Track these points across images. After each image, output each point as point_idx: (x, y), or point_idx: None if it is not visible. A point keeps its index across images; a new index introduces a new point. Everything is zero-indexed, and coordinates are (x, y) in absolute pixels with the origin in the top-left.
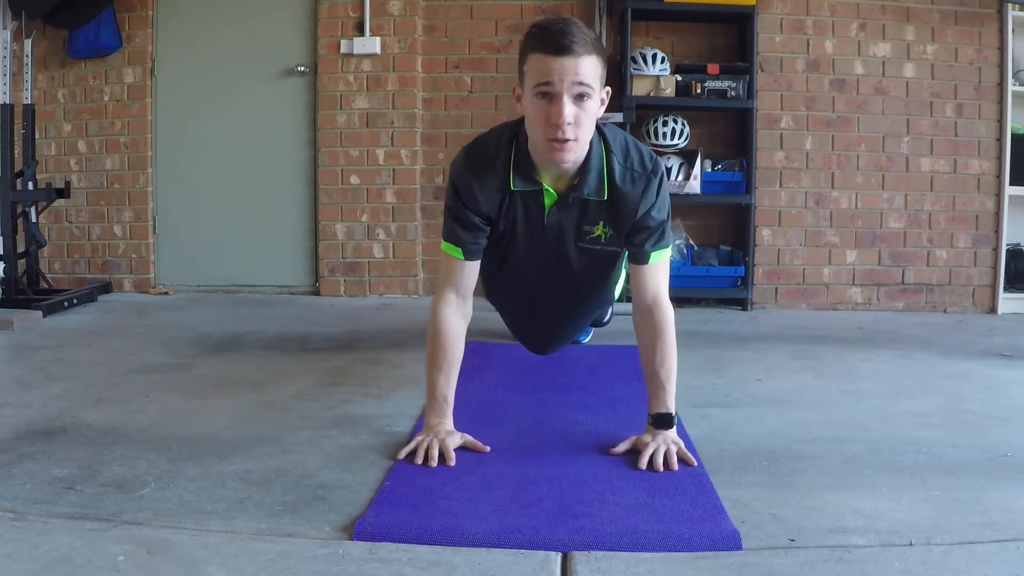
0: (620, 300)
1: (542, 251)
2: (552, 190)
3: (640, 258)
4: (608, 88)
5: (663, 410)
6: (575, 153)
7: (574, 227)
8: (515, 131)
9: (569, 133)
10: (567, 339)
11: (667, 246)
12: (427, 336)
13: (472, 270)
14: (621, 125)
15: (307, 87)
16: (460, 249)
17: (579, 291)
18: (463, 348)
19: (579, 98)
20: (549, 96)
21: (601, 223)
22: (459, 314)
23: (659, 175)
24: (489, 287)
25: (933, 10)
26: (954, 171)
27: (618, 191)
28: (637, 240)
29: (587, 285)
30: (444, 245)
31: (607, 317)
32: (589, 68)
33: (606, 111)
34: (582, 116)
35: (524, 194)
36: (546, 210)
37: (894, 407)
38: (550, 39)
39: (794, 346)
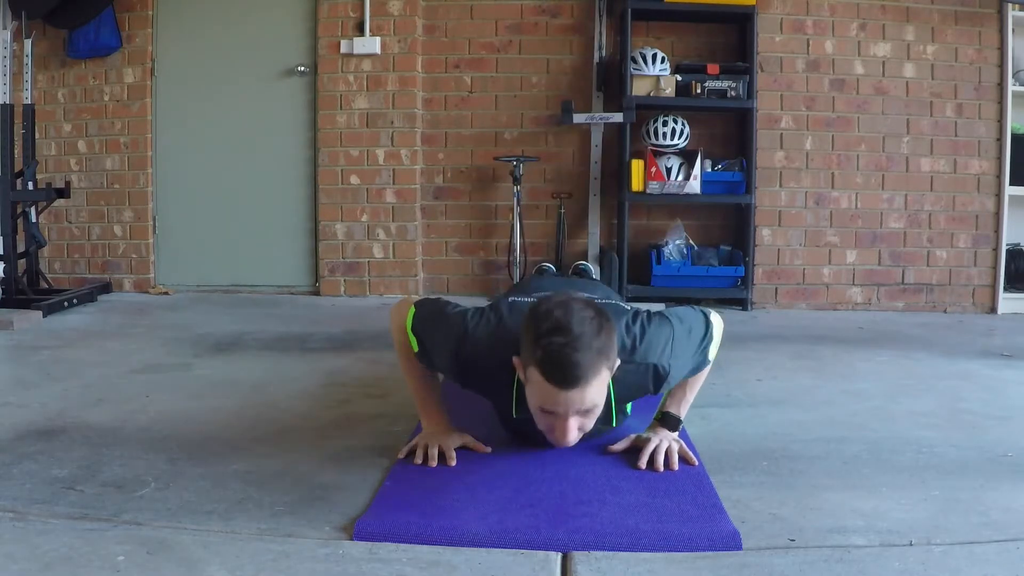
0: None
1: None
2: None
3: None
4: (618, 361)
5: (673, 411)
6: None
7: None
8: (515, 371)
9: (573, 441)
10: None
11: (706, 364)
12: (400, 361)
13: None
14: (621, 125)
15: (307, 87)
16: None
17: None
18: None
19: (585, 412)
20: (554, 414)
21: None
22: None
23: (652, 364)
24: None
25: (933, 10)
26: (954, 171)
27: (624, 412)
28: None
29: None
30: (413, 343)
31: None
32: (595, 390)
33: (606, 111)
34: (588, 422)
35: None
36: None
37: (894, 407)
38: (554, 372)
39: (794, 346)
